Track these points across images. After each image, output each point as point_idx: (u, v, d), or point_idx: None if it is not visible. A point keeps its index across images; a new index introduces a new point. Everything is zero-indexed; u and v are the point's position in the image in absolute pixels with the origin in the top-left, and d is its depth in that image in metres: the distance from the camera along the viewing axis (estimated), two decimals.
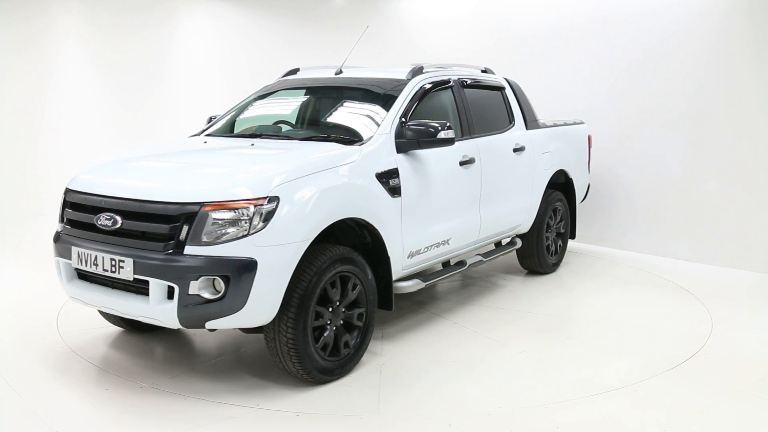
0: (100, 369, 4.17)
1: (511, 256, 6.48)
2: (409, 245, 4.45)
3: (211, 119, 5.46)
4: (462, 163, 4.93)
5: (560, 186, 6.54)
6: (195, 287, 3.47)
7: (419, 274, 4.77)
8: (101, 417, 3.59)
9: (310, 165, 3.85)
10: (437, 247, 4.75)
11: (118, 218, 3.69)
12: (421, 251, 4.61)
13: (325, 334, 3.87)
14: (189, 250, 3.49)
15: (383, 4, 9.76)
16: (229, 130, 5.10)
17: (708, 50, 6.66)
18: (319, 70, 5.46)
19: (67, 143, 8.68)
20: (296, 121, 5.16)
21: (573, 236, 6.79)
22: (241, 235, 3.48)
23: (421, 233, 4.57)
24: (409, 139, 4.39)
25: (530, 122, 5.98)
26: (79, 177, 4.13)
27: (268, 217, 3.52)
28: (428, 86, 4.91)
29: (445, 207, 4.79)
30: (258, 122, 5.16)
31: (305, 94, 5.33)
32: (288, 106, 5.35)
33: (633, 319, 5.13)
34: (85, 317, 5.08)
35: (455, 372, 4.12)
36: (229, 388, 3.88)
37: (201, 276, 3.46)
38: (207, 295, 3.48)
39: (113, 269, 3.67)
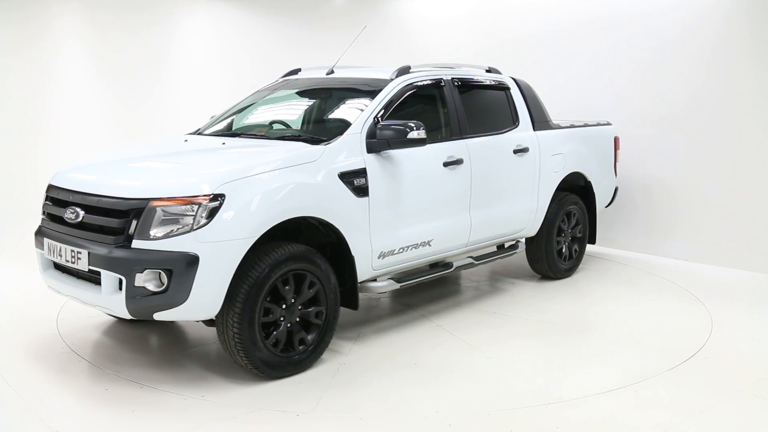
0: (100, 369, 4.17)
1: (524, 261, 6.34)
2: (379, 246, 4.44)
3: (212, 118, 5.54)
4: (447, 164, 4.87)
5: (580, 189, 6.35)
6: (141, 279, 3.60)
7: (397, 275, 4.75)
8: (101, 417, 3.59)
9: (263, 164, 3.93)
10: (416, 248, 4.72)
11: (81, 212, 3.90)
12: (395, 252, 4.58)
13: (276, 331, 3.92)
14: (136, 243, 3.65)
15: (383, 4, 9.76)
16: (218, 130, 5.18)
17: (709, 51, 6.65)
18: (319, 70, 5.48)
19: (68, 143, 8.68)
20: (277, 121, 5.22)
21: (593, 241, 6.56)
22: (185, 230, 3.60)
23: (395, 234, 4.54)
24: (380, 140, 4.39)
25: (539, 123, 5.82)
26: (58, 173, 4.34)
27: (211, 214, 3.62)
28: (413, 86, 4.89)
29: (425, 208, 4.75)
30: (245, 122, 5.25)
31: (295, 95, 5.40)
32: (277, 107, 5.38)
33: (633, 319, 5.12)
34: (85, 317, 5.09)
35: (411, 375, 4.08)
36: (223, 386, 3.89)
37: (146, 269, 3.59)
38: (152, 288, 3.61)
39: (72, 260, 3.90)
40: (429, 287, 5.96)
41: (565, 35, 7.79)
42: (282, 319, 3.95)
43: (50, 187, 4.30)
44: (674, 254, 6.98)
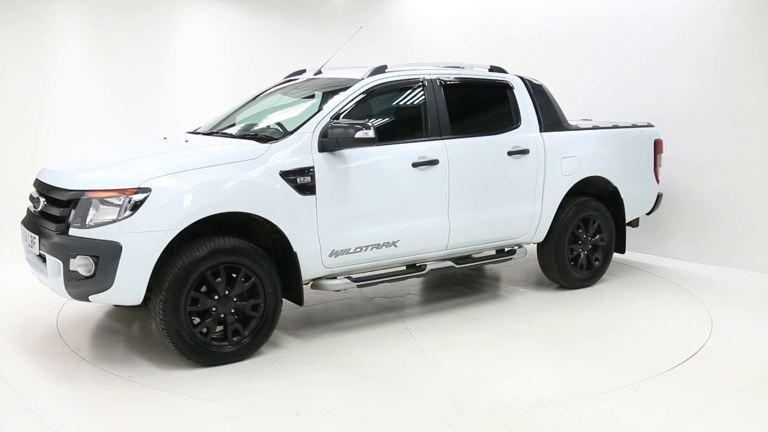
0: (99, 368, 4.17)
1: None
2: (330, 244, 4.49)
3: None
4: (417, 165, 4.81)
5: (609, 195, 5.99)
6: (74, 264, 3.91)
7: (353, 274, 4.74)
8: (101, 417, 3.59)
9: (198, 162, 4.16)
10: (378, 248, 4.71)
11: (43, 201, 4.28)
12: (352, 251, 4.60)
13: (206, 320, 4.13)
14: (72, 231, 3.97)
15: (384, 4, 9.76)
16: (206, 129, 5.33)
17: (711, 52, 6.64)
18: (331, 70, 5.49)
19: (68, 142, 8.66)
20: (253, 121, 5.26)
21: (621, 250, 6.14)
22: (111, 220, 3.89)
23: (350, 233, 4.57)
24: (330, 139, 4.44)
25: (549, 124, 5.57)
26: (44, 167, 4.63)
27: (136, 207, 3.90)
28: (385, 86, 4.91)
29: (388, 208, 4.72)
30: (223, 122, 5.36)
31: (280, 96, 5.44)
32: (259, 108, 5.42)
33: (633, 319, 5.12)
34: (85, 317, 5.09)
35: (336, 373, 4.10)
36: (225, 386, 3.89)
37: (78, 255, 3.90)
38: (83, 273, 3.91)
39: (31, 245, 4.31)
40: (426, 290, 5.96)
41: (566, 36, 7.78)
42: (214, 309, 4.12)
43: (35, 180, 4.61)
44: (674, 254, 6.98)
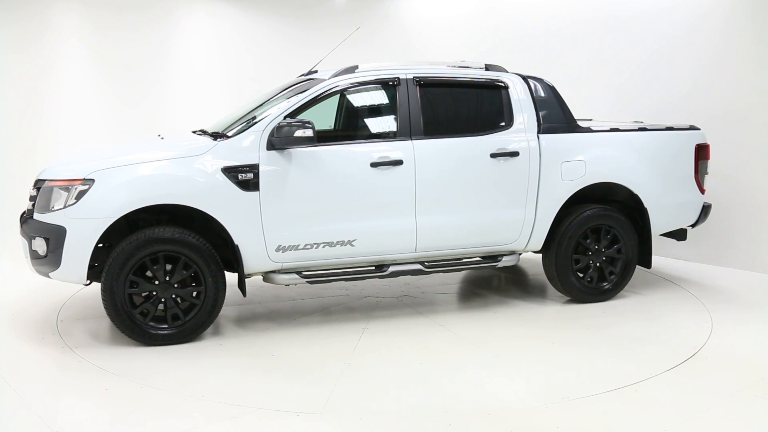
0: (99, 368, 4.17)
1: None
2: (276, 239, 4.64)
3: None
4: (376, 165, 4.78)
5: (635, 204, 5.50)
6: (35, 245, 4.45)
7: (305, 271, 4.79)
8: (101, 417, 3.59)
9: (143, 157, 4.56)
10: (332, 246, 4.75)
11: (34, 193, 4.69)
12: (301, 247, 4.69)
13: (146, 303, 4.49)
14: (35, 216, 4.51)
15: (384, 4, 9.76)
16: (207, 129, 5.39)
17: (711, 52, 6.64)
18: (329, 71, 5.47)
19: (68, 142, 8.67)
20: (239, 121, 5.23)
21: (647, 264, 5.59)
22: (60, 207, 4.37)
23: (297, 229, 4.67)
24: (276, 137, 4.59)
25: (549, 125, 5.22)
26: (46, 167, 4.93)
27: (80, 196, 4.34)
28: (353, 85, 4.96)
29: (340, 207, 4.74)
30: (228, 122, 5.32)
31: (272, 95, 5.44)
32: (246, 108, 5.41)
33: (633, 319, 5.12)
34: (85, 316, 5.09)
35: (250, 364, 4.24)
36: (236, 389, 3.90)
37: (36, 237, 4.43)
38: (40, 252, 4.42)
39: (20, 231, 4.76)
40: (431, 293, 5.94)
41: (565, 35, 7.78)
42: (154, 293, 4.47)
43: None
44: (674, 254, 6.98)
